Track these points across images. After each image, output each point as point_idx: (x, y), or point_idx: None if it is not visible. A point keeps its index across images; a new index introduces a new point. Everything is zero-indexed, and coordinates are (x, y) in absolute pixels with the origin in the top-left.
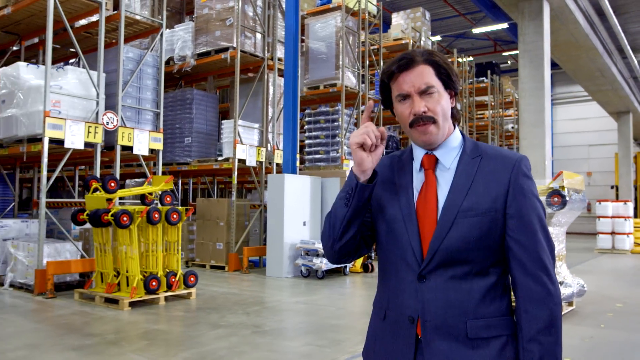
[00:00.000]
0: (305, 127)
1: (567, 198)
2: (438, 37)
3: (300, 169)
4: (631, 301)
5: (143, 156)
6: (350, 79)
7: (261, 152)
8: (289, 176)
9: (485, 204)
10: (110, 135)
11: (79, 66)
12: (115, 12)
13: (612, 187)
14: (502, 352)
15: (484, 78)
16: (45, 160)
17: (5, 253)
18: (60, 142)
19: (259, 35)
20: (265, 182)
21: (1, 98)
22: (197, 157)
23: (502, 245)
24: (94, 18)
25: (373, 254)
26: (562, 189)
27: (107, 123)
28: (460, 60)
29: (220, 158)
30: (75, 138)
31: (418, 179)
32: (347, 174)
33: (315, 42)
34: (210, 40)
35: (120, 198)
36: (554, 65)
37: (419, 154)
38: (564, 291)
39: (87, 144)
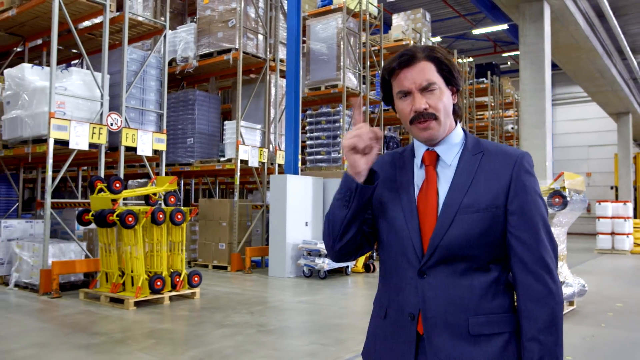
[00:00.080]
0: (307, 127)
1: (569, 199)
2: (438, 38)
3: (301, 170)
4: (631, 301)
5: (146, 157)
6: (351, 80)
7: (263, 153)
8: (292, 177)
9: (486, 201)
10: (114, 136)
11: (81, 67)
12: (119, 13)
13: (611, 188)
14: (505, 349)
15: (484, 79)
16: (50, 161)
17: (10, 253)
18: (65, 143)
19: (260, 37)
20: (268, 182)
21: (6, 99)
22: (199, 158)
23: (504, 242)
24: (98, 20)
25: (374, 254)
26: (563, 190)
27: (112, 124)
28: (460, 61)
29: (222, 159)
30: (80, 139)
31: (419, 175)
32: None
33: (316, 43)
34: (212, 41)
35: (124, 198)
36: (553, 66)
37: (420, 150)
38: (565, 291)
39: (91, 145)
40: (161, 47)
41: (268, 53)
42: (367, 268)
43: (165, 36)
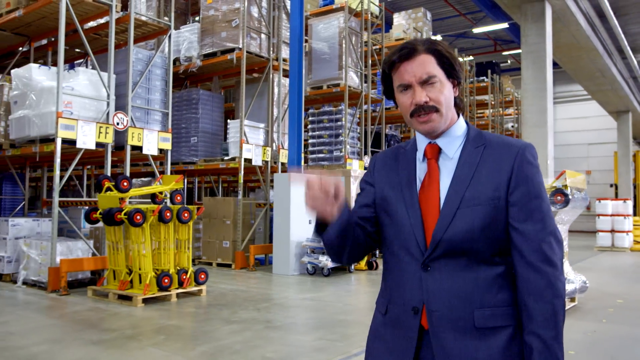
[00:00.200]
0: (309, 126)
1: (570, 197)
2: (439, 37)
3: (303, 168)
4: (631, 297)
5: (151, 156)
6: (353, 79)
7: (267, 152)
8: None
9: (488, 193)
10: (120, 136)
11: (86, 67)
12: (125, 14)
13: (611, 186)
14: (510, 343)
15: (484, 77)
16: (58, 160)
17: (18, 251)
18: (73, 142)
19: (264, 36)
20: (271, 181)
21: (13, 99)
22: (203, 157)
23: (508, 235)
24: (103, 20)
25: (377, 252)
26: (565, 188)
27: (118, 123)
28: (460, 59)
29: (226, 157)
30: (86, 138)
31: (421, 168)
32: (350, 174)
33: (318, 42)
34: (216, 41)
35: (130, 197)
36: (554, 64)
37: (422, 143)
38: (567, 287)
39: (98, 144)
40: (165, 47)
41: (271, 52)
42: (370, 266)
43: (170, 36)
